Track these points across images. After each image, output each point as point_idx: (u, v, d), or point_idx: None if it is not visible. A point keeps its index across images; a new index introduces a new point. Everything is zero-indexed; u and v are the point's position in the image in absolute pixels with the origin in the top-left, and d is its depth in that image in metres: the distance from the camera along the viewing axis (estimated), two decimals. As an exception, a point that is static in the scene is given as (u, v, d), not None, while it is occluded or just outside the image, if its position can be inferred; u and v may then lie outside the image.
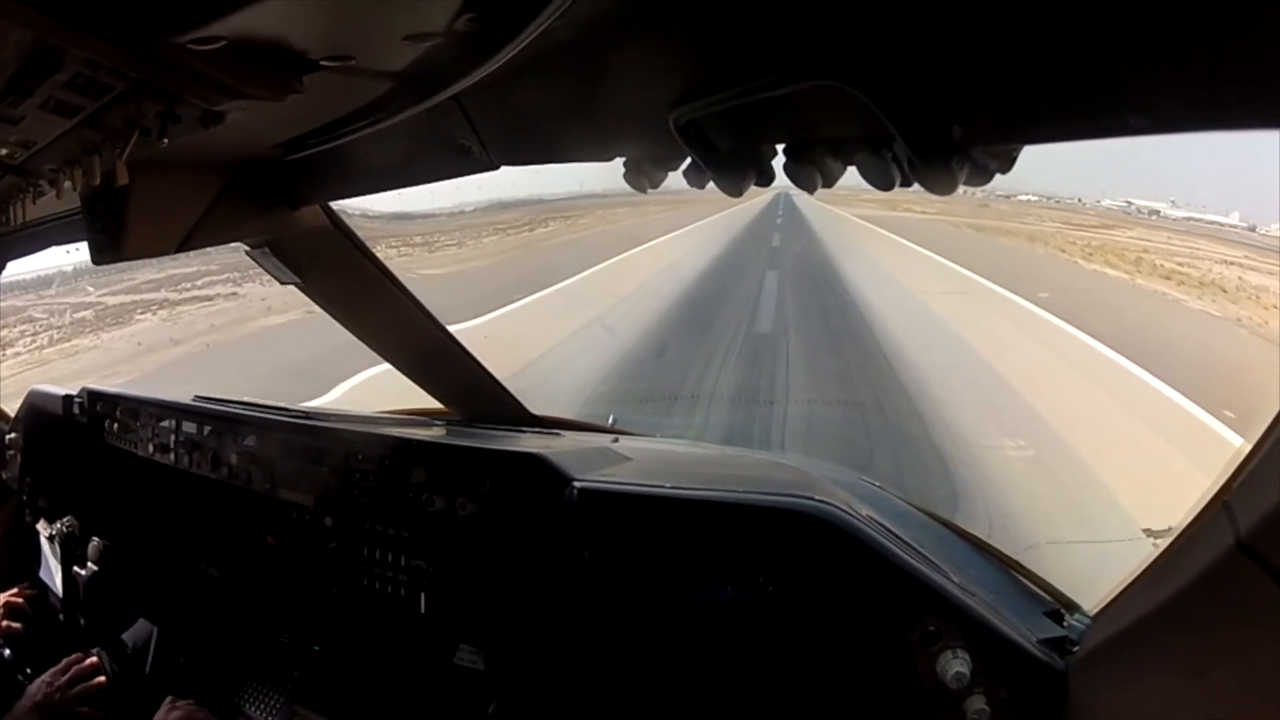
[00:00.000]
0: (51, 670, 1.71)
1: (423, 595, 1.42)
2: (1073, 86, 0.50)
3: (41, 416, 2.16)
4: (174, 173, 1.16)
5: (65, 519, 2.03)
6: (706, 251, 22.73)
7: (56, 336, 13.03)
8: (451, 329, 1.77)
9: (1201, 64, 0.43)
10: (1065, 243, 25.00)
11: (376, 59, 0.71)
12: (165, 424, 1.83)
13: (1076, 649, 0.98)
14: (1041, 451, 6.57)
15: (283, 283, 1.56)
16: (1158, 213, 33.88)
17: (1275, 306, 14.50)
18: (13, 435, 2.25)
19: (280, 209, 1.34)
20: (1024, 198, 41.25)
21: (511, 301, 14.21)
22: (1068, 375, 9.44)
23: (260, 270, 1.52)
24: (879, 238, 27.93)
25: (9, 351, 11.53)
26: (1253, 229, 27.05)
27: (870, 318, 12.56)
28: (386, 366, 1.86)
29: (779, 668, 1.12)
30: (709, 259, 21.11)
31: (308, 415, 1.67)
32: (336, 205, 1.47)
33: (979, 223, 31.71)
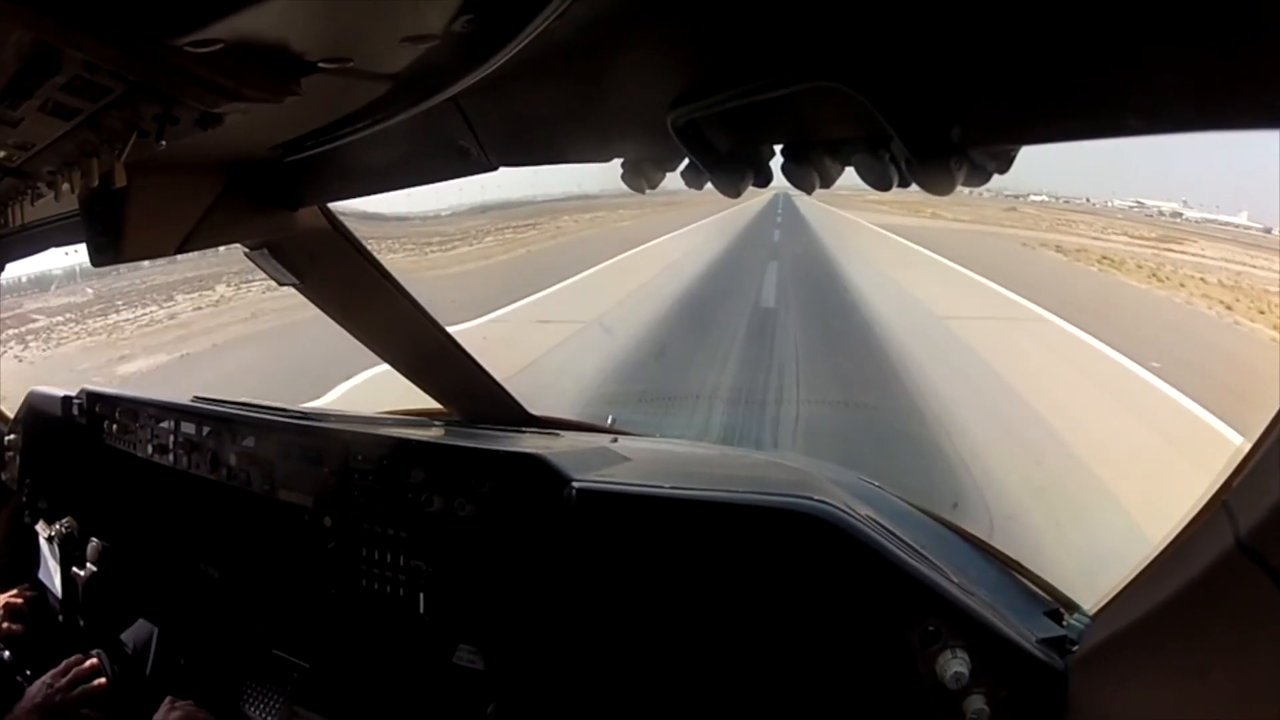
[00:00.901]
0: (52, 672, 1.71)
1: (422, 595, 1.42)
2: (1071, 87, 0.50)
3: (41, 418, 2.16)
4: (172, 174, 1.16)
5: (64, 520, 2.03)
6: (647, 308, 12.71)
7: None
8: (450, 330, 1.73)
9: (1200, 65, 0.43)
10: (1172, 273, 17.30)
11: (374, 61, 0.71)
12: (164, 425, 1.83)
13: (1076, 648, 0.98)
14: None
15: (281, 284, 1.56)
16: (1180, 215, 31.54)
17: None
18: (12, 436, 2.25)
19: (279, 210, 1.34)
20: (1037, 198, 38.59)
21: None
22: None
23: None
24: (944, 275, 16.90)
25: None
26: (1268, 230, 24.91)
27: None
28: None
29: (778, 667, 1.13)
30: (645, 329, 10.95)
31: (306, 416, 1.67)
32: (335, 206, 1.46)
33: (1051, 238, 23.25)
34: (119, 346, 12.81)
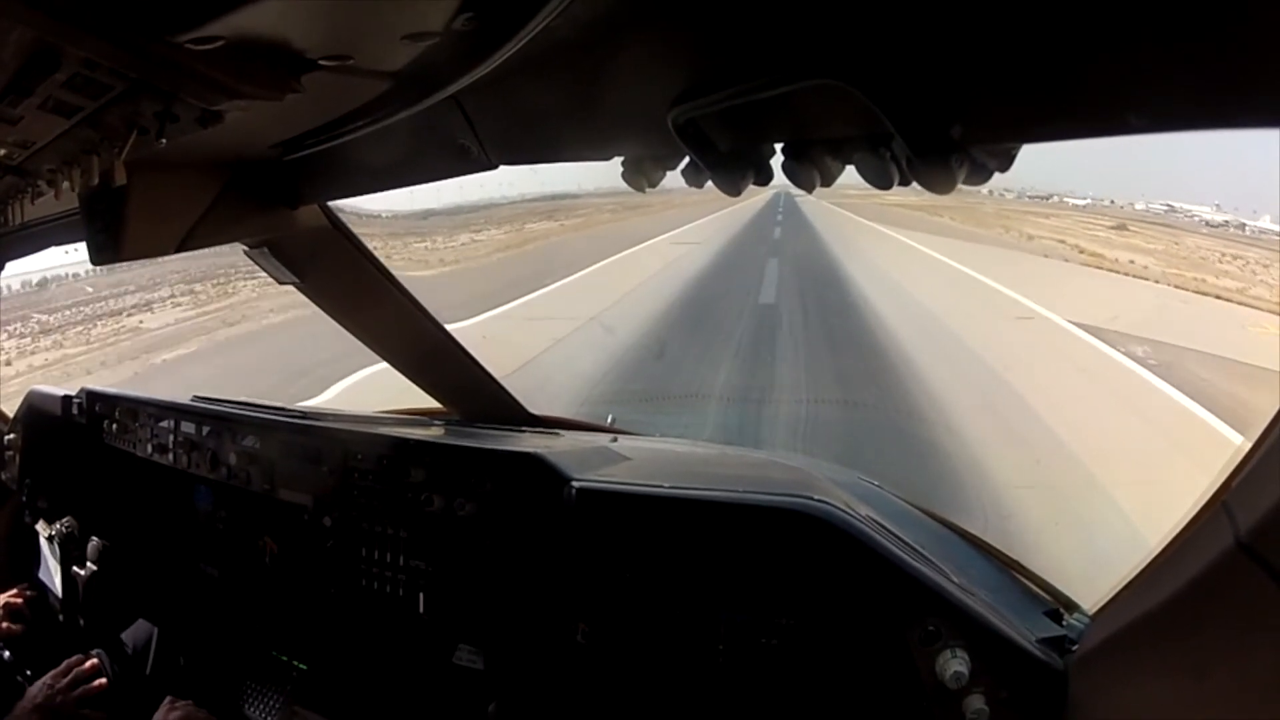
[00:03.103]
0: (52, 672, 1.70)
1: (422, 595, 1.42)
2: (1072, 85, 0.50)
3: (41, 417, 2.16)
4: (173, 172, 1.16)
5: (64, 519, 2.03)
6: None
7: None
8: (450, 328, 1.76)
9: (1201, 62, 0.43)
10: None
11: (375, 59, 0.71)
12: (164, 424, 1.83)
13: (1076, 648, 0.98)
14: None
15: (281, 282, 1.56)
16: (1243, 226, 25.60)
17: None
18: (12, 436, 2.25)
19: (279, 209, 1.34)
20: (1076, 202, 33.97)
21: None
22: None
23: None
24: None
25: None
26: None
27: None
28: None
29: (778, 666, 1.12)
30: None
31: (306, 415, 1.67)
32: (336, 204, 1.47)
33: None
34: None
